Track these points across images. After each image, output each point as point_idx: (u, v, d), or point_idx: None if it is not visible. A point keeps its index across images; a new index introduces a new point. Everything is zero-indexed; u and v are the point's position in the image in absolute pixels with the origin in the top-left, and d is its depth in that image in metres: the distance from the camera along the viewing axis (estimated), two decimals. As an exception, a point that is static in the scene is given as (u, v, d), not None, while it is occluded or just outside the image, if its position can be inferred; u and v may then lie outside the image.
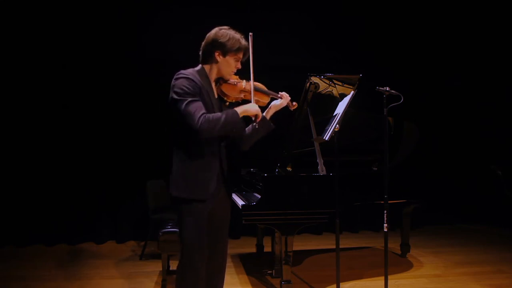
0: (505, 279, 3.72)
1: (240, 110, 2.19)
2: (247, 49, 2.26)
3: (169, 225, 3.49)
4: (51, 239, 5.08)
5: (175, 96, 2.12)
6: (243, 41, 2.24)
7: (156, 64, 5.22)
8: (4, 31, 5.02)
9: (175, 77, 2.18)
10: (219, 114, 2.14)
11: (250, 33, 2.27)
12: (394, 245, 4.51)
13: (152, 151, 5.19)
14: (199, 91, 2.14)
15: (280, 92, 2.41)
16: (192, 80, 2.14)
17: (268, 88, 2.41)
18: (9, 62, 5.06)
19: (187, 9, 5.29)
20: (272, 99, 2.43)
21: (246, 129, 2.39)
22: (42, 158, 5.09)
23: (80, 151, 5.17)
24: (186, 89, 2.11)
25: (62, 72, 5.15)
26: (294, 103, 2.44)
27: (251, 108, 2.22)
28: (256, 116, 2.23)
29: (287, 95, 2.40)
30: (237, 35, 2.23)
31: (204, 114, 2.08)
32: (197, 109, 2.08)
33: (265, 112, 2.38)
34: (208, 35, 2.26)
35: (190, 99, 2.09)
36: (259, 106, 2.33)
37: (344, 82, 3.29)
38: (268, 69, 4.86)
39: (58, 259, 4.48)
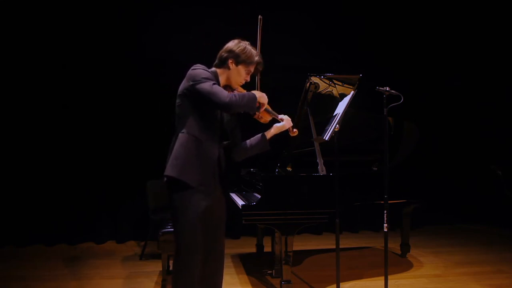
0: (505, 279, 3.72)
1: (258, 93, 2.31)
2: (259, 64, 2.39)
3: (169, 225, 3.49)
4: (51, 239, 5.08)
5: (196, 79, 2.20)
6: (258, 58, 2.37)
7: (156, 64, 5.23)
8: (4, 31, 5.02)
9: (193, 68, 2.27)
10: (242, 92, 2.29)
11: (259, 16, 2.40)
12: (394, 245, 4.51)
13: (152, 151, 5.19)
14: None
15: (281, 115, 2.47)
16: (209, 72, 2.26)
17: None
18: (9, 62, 5.06)
19: (187, 9, 5.29)
20: (274, 120, 2.48)
21: (243, 142, 2.48)
22: (42, 158, 5.09)
23: (80, 151, 5.17)
24: (208, 76, 2.22)
25: (62, 72, 5.15)
26: (295, 130, 2.49)
27: (262, 95, 2.33)
28: (261, 105, 2.33)
29: (289, 118, 2.47)
30: (254, 51, 2.37)
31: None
32: (222, 89, 2.20)
33: (266, 132, 2.47)
34: (227, 44, 2.38)
35: (213, 82, 2.20)
36: (260, 123, 2.44)
37: (344, 82, 3.29)
38: (268, 69, 4.87)
39: (58, 259, 4.48)
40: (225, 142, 2.37)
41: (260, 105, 2.33)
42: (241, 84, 2.39)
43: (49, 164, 5.10)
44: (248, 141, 2.47)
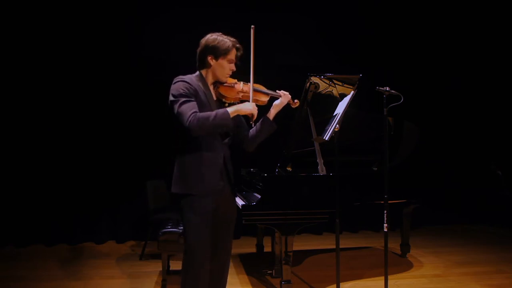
0: (505, 279, 3.72)
1: (232, 109, 2.23)
2: (238, 49, 2.33)
3: (169, 225, 3.49)
4: (51, 239, 5.08)
5: (171, 98, 2.21)
6: (233, 43, 2.31)
7: (156, 64, 5.22)
8: (4, 31, 5.02)
9: (173, 81, 2.26)
10: (209, 112, 2.18)
11: (252, 26, 2.32)
12: (394, 245, 4.51)
13: (152, 151, 5.19)
14: (195, 93, 2.22)
15: (279, 91, 2.44)
16: (188, 83, 2.23)
17: (268, 88, 2.43)
18: (9, 62, 5.06)
19: (189, 9, 5.29)
20: (273, 99, 2.45)
21: (250, 130, 2.44)
22: (42, 158, 5.09)
23: (80, 151, 5.17)
24: (181, 91, 2.19)
25: (62, 72, 5.15)
26: (295, 100, 2.47)
27: (244, 108, 2.26)
28: (252, 115, 2.27)
29: (287, 93, 2.44)
30: (227, 39, 2.31)
31: (195, 113, 2.13)
32: (189, 108, 2.14)
33: (268, 113, 2.42)
34: (200, 41, 2.34)
35: (183, 99, 2.17)
36: (259, 106, 2.37)
37: (344, 82, 3.29)
38: (269, 69, 4.88)
39: (58, 259, 4.48)
40: (226, 140, 2.36)
41: (253, 116, 2.28)
42: (229, 75, 2.35)
43: (49, 164, 5.09)
44: (253, 129, 2.43)
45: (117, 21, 5.20)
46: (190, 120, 2.10)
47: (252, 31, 2.31)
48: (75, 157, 5.16)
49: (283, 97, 2.41)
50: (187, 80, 2.23)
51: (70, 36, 5.14)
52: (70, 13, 5.11)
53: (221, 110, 2.20)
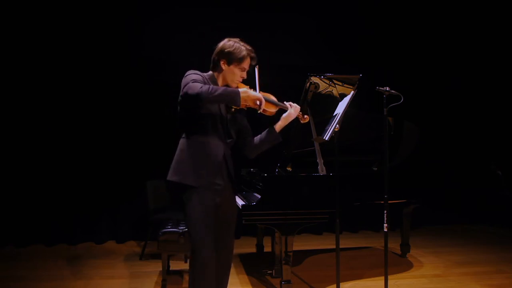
0: (505, 279, 3.72)
1: (243, 89, 2.23)
2: (252, 59, 2.34)
3: (169, 225, 3.50)
4: (51, 239, 5.08)
5: (183, 83, 2.17)
6: (248, 52, 2.32)
7: (156, 64, 5.23)
8: (4, 31, 5.02)
9: (185, 74, 2.25)
10: (215, 86, 2.19)
11: (256, 66, 2.36)
12: (394, 245, 4.51)
13: (152, 151, 5.19)
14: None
15: (287, 102, 2.43)
16: (201, 76, 2.24)
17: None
18: (9, 63, 5.06)
19: (189, 9, 5.30)
20: (281, 111, 2.46)
21: (255, 138, 2.48)
22: (42, 158, 5.09)
23: (80, 151, 5.17)
24: (196, 78, 2.18)
25: (62, 72, 5.15)
26: (306, 116, 2.48)
27: (253, 92, 2.26)
28: (260, 101, 2.25)
29: (297, 106, 2.44)
30: (243, 47, 2.32)
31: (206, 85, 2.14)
32: (200, 84, 2.13)
33: (275, 125, 2.45)
34: (217, 45, 2.36)
35: (196, 80, 2.16)
36: (266, 116, 2.40)
37: (344, 82, 3.29)
38: (269, 69, 4.88)
39: (58, 259, 4.48)
40: (228, 141, 2.36)
41: (261, 103, 2.28)
42: (239, 81, 2.37)
43: (49, 164, 5.09)
44: (258, 137, 2.47)
45: (117, 21, 5.20)
46: (202, 87, 2.08)
47: (256, 70, 2.33)
48: (75, 157, 5.16)
49: (293, 111, 2.40)
50: (200, 74, 2.25)
51: (70, 36, 5.15)
52: (70, 13, 5.12)
53: (231, 88, 2.22)
